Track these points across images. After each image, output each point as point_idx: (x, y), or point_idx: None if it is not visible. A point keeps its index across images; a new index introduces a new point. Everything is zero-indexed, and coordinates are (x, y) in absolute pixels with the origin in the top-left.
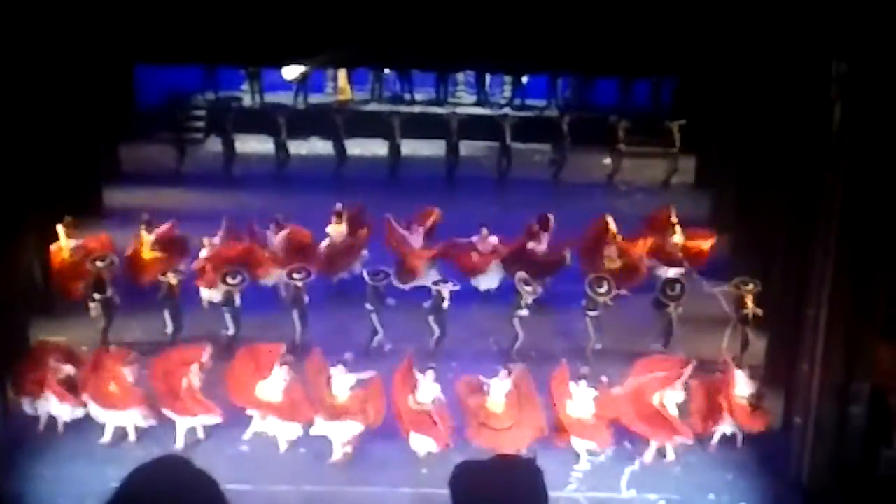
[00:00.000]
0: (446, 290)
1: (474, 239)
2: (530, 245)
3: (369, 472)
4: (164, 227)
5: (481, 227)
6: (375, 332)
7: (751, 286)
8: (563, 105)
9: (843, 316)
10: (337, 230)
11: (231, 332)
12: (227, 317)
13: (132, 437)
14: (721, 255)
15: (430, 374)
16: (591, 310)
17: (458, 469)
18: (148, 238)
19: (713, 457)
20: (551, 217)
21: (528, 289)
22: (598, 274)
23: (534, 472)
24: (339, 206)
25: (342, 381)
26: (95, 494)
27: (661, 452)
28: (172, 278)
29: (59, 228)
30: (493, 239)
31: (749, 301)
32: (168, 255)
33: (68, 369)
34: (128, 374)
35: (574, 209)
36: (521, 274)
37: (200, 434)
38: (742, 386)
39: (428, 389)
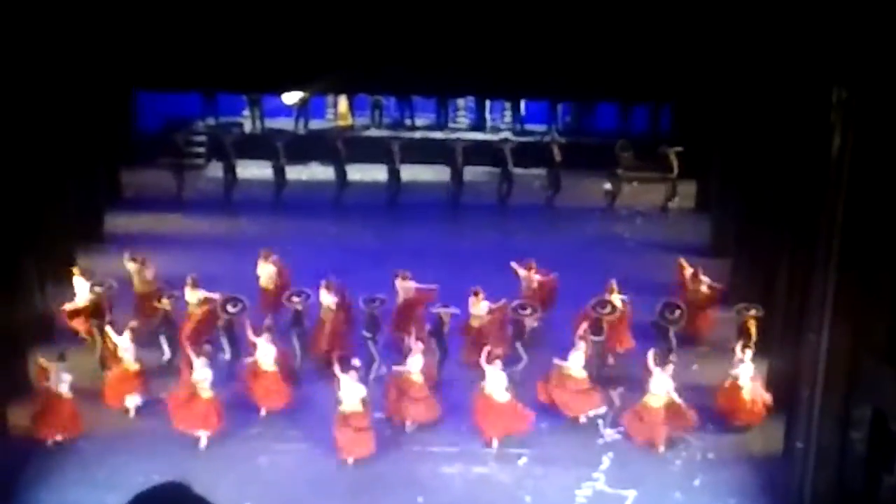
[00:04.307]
0: (447, 314)
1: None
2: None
3: (370, 498)
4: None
5: (474, 292)
6: (373, 360)
7: (753, 311)
8: (559, 131)
9: (845, 341)
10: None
11: (228, 356)
12: (224, 341)
13: None
14: (722, 281)
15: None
16: (595, 335)
17: None
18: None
19: (715, 482)
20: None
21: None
22: (602, 297)
23: None
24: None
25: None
26: None
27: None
28: (167, 304)
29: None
30: (486, 304)
31: (751, 326)
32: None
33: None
34: None
35: (574, 234)
36: None
37: None
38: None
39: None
